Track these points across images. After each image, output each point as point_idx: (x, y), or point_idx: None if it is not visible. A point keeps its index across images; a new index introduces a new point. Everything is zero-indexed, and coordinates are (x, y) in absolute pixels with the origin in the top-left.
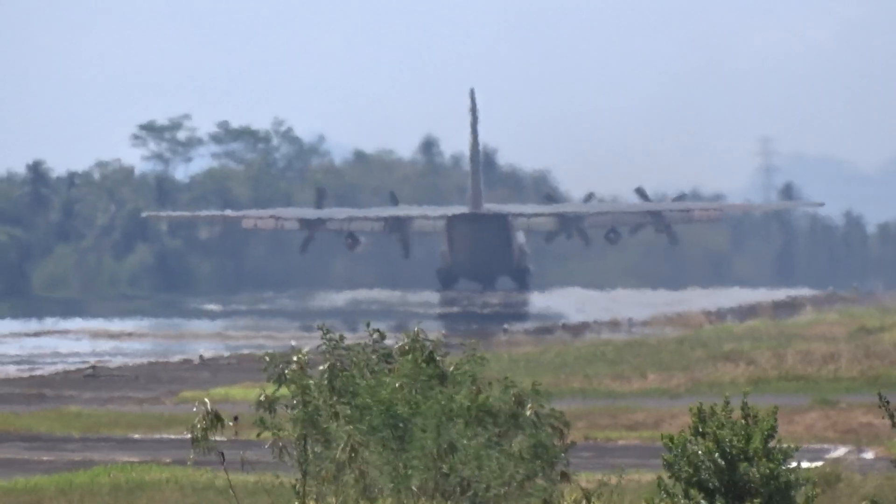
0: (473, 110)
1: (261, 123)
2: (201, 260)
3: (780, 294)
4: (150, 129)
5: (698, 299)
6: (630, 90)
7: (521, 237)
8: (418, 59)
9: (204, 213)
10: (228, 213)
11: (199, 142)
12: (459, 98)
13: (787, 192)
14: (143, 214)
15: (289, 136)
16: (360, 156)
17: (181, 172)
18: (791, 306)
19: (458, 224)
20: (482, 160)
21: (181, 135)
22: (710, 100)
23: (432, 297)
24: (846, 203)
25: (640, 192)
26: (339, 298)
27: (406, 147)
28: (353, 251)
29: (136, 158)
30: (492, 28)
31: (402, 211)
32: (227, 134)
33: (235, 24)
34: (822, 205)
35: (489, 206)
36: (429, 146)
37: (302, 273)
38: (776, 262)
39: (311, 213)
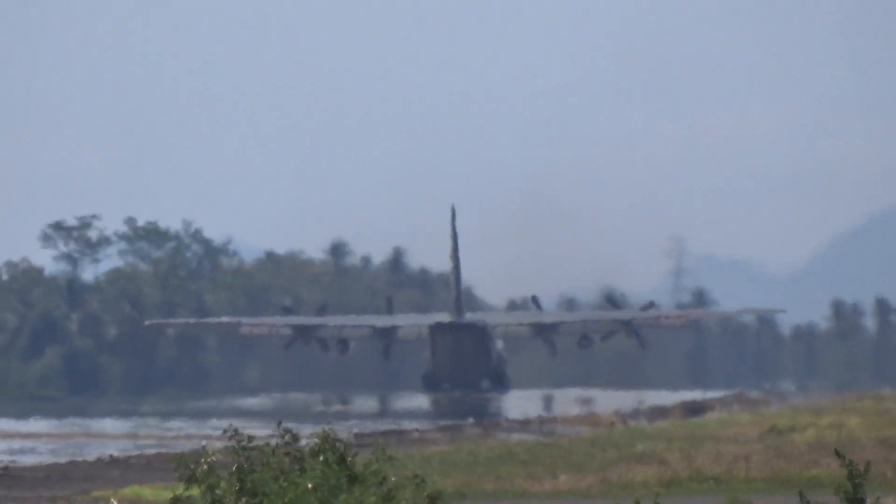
0: (453, 226)
1: (169, 223)
2: (111, 360)
3: (692, 395)
4: (59, 228)
5: (610, 399)
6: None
7: (499, 344)
8: (327, 161)
9: (204, 320)
10: (226, 319)
11: (108, 241)
12: (368, 200)
13: (699, 296)
14: (147, 323)
15: (198, 237)
16: (270, 256)
17: (90, 273)
18: (702, 407)
19: (441, 332)
20: (391, 262)
21: (91, 234)
22: (620, 200)
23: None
24: (758, 304)
25: (610, 300)
26: (254, 401)
27: (316, 249)
28: (343, 356)
29: (47, 259)
30: (398, 127)
31: (389, 320)
32: (135, 233)
33: (145, 122)
34: (783, 311)
35: (470, 316)
36: (338, 248)
37: (214, 375)
38: (688, 364)
39: (305, 320)
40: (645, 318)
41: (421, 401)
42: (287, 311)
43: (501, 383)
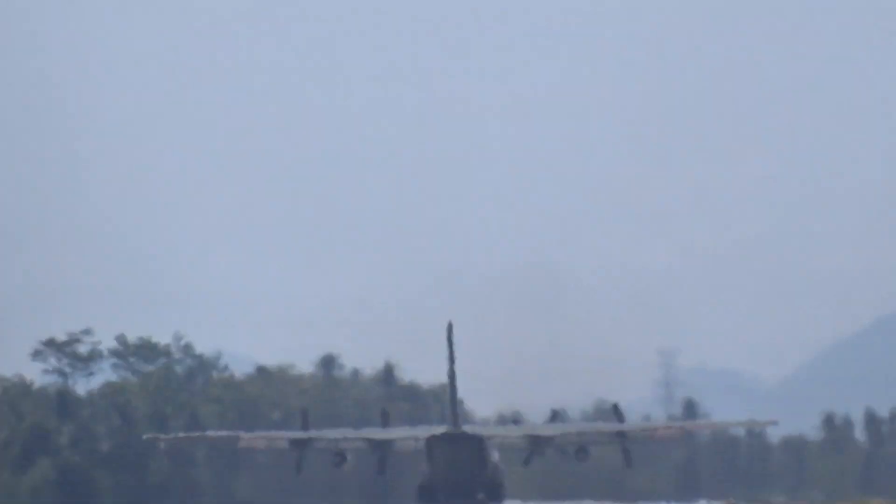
0: (450, 341)
1: (161, 337)
2: (103, 474)
3: None
4: (51, 344)
5: None
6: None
7: (496, 455)
8: (315, 273)
9: (203, 434)
10: (227, 433)
11: (100, 356)
12: (356, 312)
13: (689, 407)
14: (144, 437)
15: (189, 351)
16: (261, 371)
17: (82, 387)
18: None
19: (437, 444)
20: (383, 375)
21: (82, 349)
22: (611, 310)
23: None
24: (748, 415)
25: (616, 411)
26: None
27: (306, 362)
28: (340, 468)
29: (37, 373)
30: (387, 239)
31: (385, 433)
32: (126, 348)
33: (132, 235)
34: (775, 423)
35: (466, 428)
36: (328, 362)
37: (205, 488)
38: (677, 475)
39: (301, 434)
40: (640, 431)
41: None
42: (304, 417)
43: (497, 495)
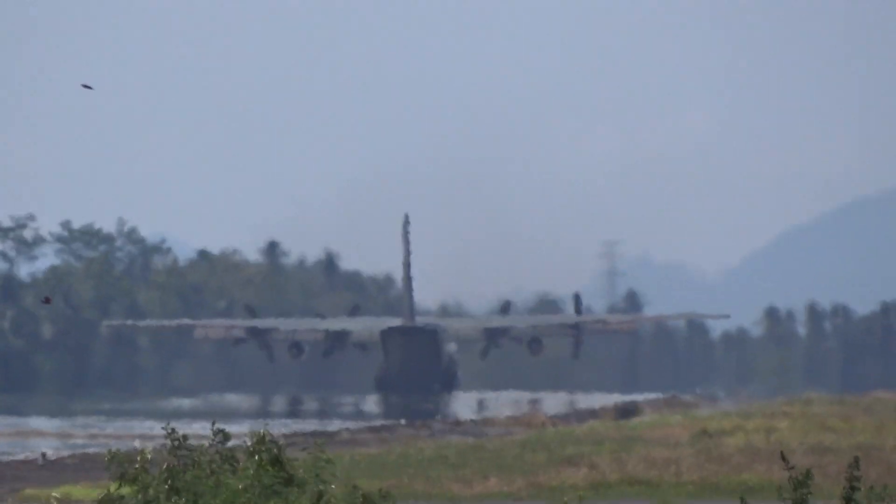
0: (406, 233)
1: (104, 223)
2: (44, 359)
3: (623, 397)
4: None
5: (545, 401)
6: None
7: (451, 347)
8: (261, 161)
9: (162, 322)
10: (184, 321)
11: (43, 241)
12: (302, 202)
13: (632, 299)
14: (105, 324)
15: (132, 237)
16: (204, 256)
17: (25, 271)
18: (633, 409)
19: (393, 337)
20: (324, 264)
21: (26, 234)
22: (558, 202)
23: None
24: (690, 308)
25: (576, 302)
26: (185, 402)
27: (251, 248)
28: (297, 359)
29: None
30: (329, 131)
31: (341, 324)
32: (70, 233)
33: (79, 121)
34: (727, 317)
35: (421, 319)
36: (272, 248)
37: (148, 375)
38: (619, 367)
39: (259, 323)
40: (593, 323)
41: (362, 402)
42: (249, 311)
43: (452, 386)
